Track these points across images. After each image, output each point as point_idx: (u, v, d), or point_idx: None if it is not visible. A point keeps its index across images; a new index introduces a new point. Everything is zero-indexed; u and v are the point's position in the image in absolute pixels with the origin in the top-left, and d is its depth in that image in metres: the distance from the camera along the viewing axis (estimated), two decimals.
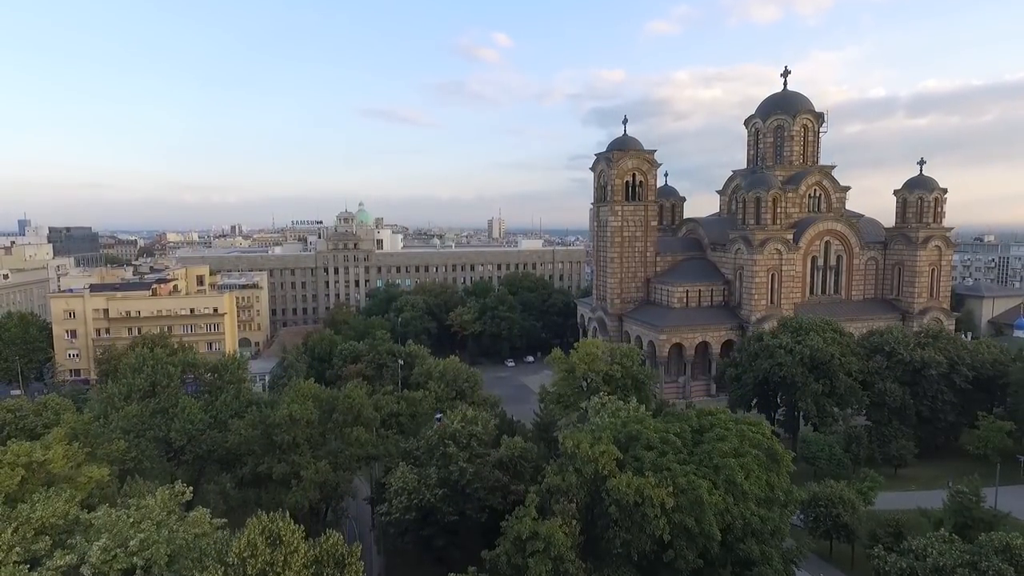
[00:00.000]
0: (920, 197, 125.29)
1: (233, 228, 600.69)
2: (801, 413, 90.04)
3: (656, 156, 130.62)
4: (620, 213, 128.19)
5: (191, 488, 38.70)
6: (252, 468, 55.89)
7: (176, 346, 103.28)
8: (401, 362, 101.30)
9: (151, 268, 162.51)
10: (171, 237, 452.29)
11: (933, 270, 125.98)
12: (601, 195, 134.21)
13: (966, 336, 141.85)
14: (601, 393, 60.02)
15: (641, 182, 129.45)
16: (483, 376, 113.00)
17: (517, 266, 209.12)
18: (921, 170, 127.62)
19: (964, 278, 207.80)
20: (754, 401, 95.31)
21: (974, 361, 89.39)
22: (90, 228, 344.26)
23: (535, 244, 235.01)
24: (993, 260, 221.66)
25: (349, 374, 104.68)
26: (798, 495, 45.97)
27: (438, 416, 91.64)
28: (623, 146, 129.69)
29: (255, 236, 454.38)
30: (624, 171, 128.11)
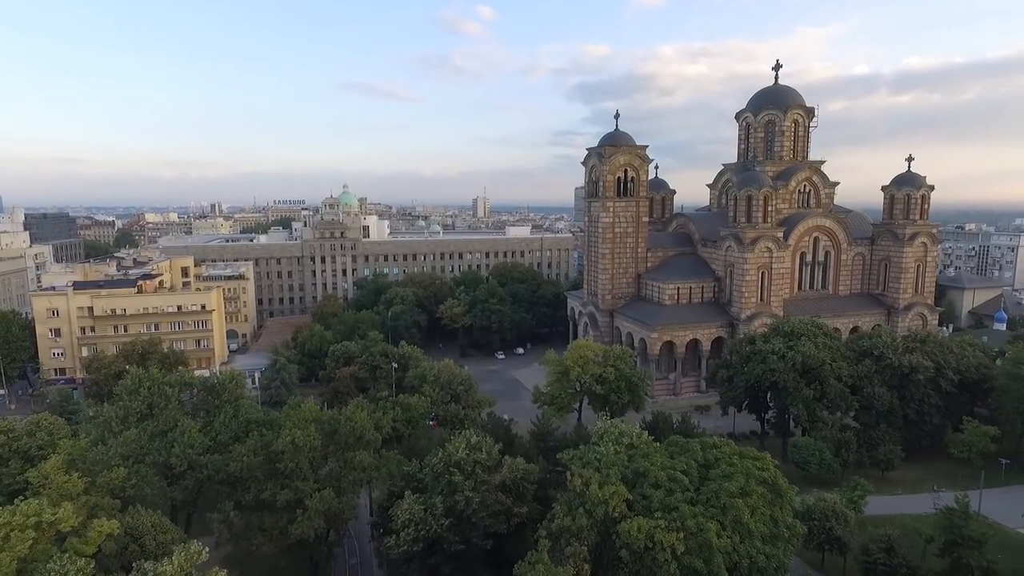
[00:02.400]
0: (907, 194, 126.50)
1: (213, 207, 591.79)
2: (791, 416, 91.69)
3: (641, 133, 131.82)
4: (612, 209, 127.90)
5: (205, 549, 38.34)
6: (255, 495, 55.70)
7: (167, 351, 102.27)
8: (395, 365, 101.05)
9: (135, 261, 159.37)
10: (150, 218, 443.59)
11: (919, 266, 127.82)
12: (593, 190, 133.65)
13: (947, 328, 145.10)
14: (603, 415, 60.20)
15: (633, 178, 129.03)
16: (474, 370, 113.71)
17: (505, 254, 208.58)
18: (909, 166, 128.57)
19: (945, 267, 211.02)
20: (745, 403, 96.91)
21: (959, 364, 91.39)
22: (67, 213, 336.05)
23: (523, 231, 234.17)
24: (974, 248, 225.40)
25: (342, 376, 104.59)
26: (800, 530, 46.90)
27: (430, 420, 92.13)
28: (615, 141, 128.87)
29: (237, 216, 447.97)
30: (616, 167, 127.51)
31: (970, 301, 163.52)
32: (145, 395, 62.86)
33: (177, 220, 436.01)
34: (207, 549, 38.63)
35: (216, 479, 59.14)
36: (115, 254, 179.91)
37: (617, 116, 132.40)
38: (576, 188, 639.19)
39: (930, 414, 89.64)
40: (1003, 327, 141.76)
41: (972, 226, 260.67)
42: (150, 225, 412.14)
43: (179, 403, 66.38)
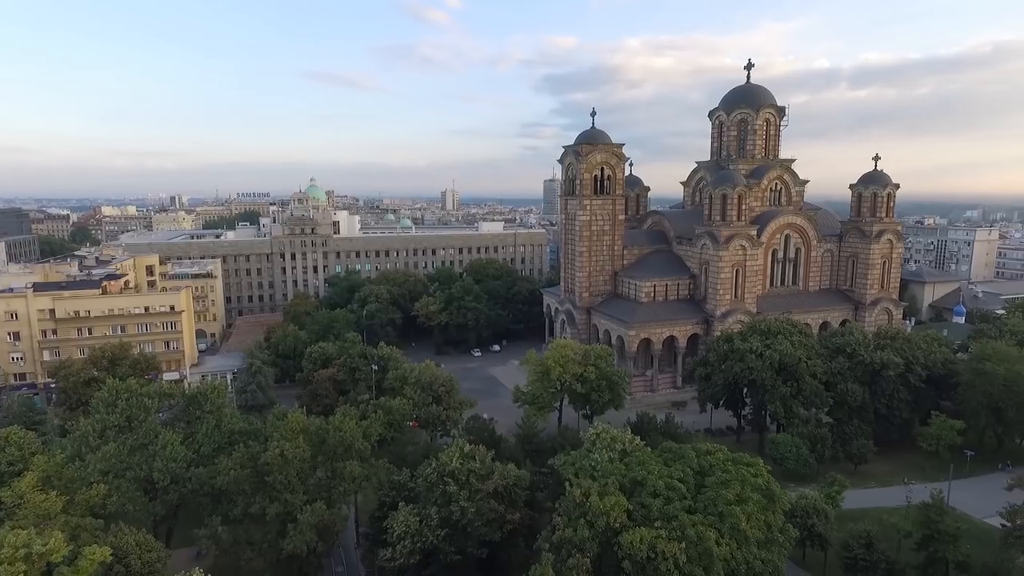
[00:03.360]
0: (874, 192, 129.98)
1: (173, 199, 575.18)
2: (768, 413, 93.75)
3: (609, 125, 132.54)
4: (589, 207, 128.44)
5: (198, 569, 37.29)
6: (243, 508, 54.55)
7: (138, 356, 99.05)
8: (375, 367, 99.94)
9: (97, 260, 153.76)
10: (106, 211, 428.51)
11: (885, 262, 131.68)
12: (570, 188, 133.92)
13: (910, 321, 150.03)
14: (597, 423, 60.57)
15: (609, 176, 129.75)
16: (450, 367, 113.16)
17: (479, 250, 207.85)
18: (876, 165, 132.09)
19: (905, 260, 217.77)
20: (722, 400, 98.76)
21: (927, 360, 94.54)
22: (19, 208, 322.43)
23: (496, 227, 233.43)
24: (932, 243, 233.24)
25: (321, 379, 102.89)
26: (793, 533, 48.03)
27: (411, 423, 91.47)
28: (592, 139, 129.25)
29: (199, 210, 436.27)
30: (593, 165, 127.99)
31: (931, 295, 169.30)
32: (123, 407, 60.83)
33: (136, 214, 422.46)
34: (199, 569, 37.60)
35: (201, 492, 57.73)
36: (76, 253, 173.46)
37: (594, 114, 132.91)
38: (545, 181, 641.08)
39: (899, 408, 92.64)
40: (962, 320, 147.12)
41: (931, 221, 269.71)
42: (107, 219, 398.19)
43: (158, 415, 64.40)
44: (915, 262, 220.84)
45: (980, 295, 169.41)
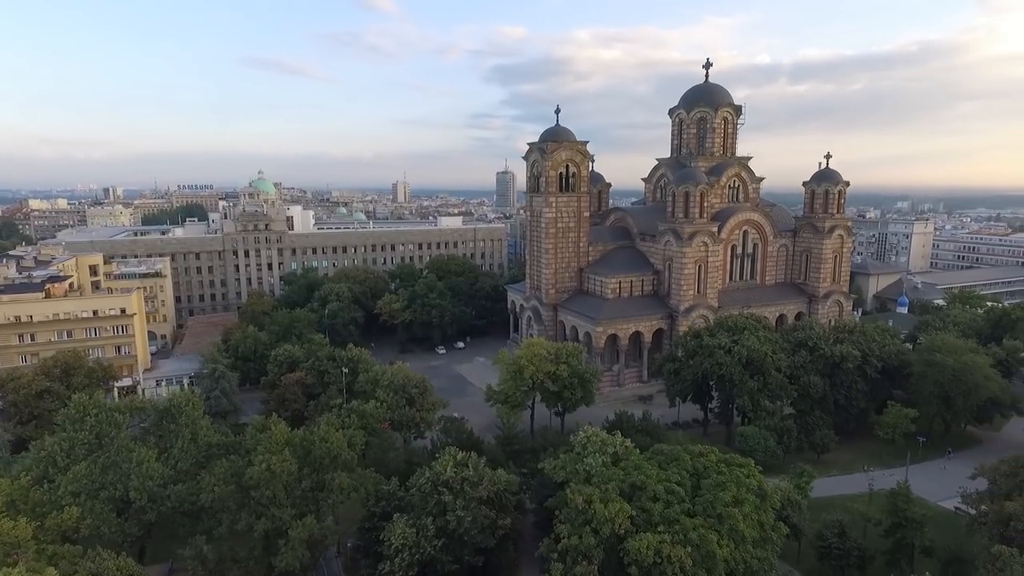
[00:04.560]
0: (826, 189, 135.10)
1: (107, 191, 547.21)
2: (735, 406, 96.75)
3: (561, 118, 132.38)
4: (555, 204, 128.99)
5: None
6: (229, 526, 52.79)
7: (93, 364, 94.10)
8: (345, 370, 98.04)
9: (36, 260, 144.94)
10: (34, 204, 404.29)
11: (836, 256, 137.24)
12: (534, 185, 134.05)
13: (857, 312, 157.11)
14: (587, 426, 61.17)
15: (574, 173, 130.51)
16: (416, 366, 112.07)
17: (439, 245, 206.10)
18: (828, 163, 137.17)
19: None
20: (690, 394, 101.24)
21: (882, 352, 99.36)
22: None
23: (455, 222, 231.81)
24: (874, 236, 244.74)
25: (288, 383, 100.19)
26: (783, 530, 49.81)
27: (383, 424, 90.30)
28: (557, 137, 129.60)
29: (136, 202, 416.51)
30: (558, 162, 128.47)
31: (875, 286, 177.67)
32: (92, 424, 57.72)
33: (67, 207, 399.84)
34: None
35: (180, 510, 55.53)
36: (11, 252, 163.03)
37: (558, 111, 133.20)
38: (498, 173, 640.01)
39: (857, 399, 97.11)
40: (905, 311, 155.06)
41: (872, 214, 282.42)
42: (36, 213, 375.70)
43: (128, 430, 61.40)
44: (859, 254, 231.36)
45: (919, 286, 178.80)
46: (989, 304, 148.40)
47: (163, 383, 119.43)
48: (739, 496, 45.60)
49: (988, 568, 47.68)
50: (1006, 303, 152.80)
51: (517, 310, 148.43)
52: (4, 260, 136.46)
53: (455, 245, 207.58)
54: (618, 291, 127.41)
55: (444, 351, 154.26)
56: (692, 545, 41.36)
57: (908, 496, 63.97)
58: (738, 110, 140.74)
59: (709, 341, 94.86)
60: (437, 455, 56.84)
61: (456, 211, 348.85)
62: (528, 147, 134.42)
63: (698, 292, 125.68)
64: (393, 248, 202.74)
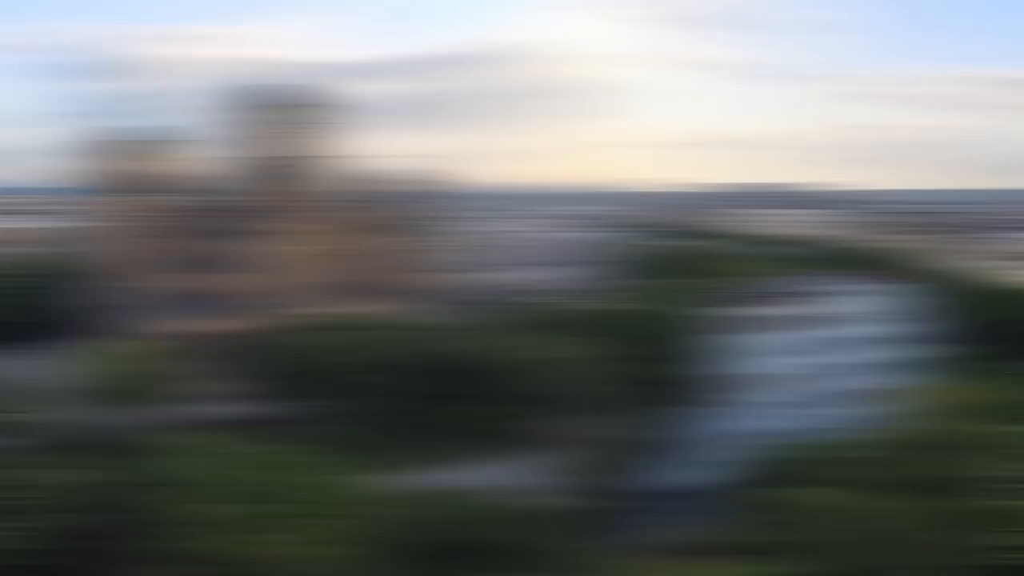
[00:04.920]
0: None
1: None
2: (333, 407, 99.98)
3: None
4: (123, 205, 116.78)
5: None
6: None
7: None
8: None
9: None
10: None
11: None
12: (106, 184, 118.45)
13: None
14: None
15: (150, 171, 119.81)
16: None
17: None
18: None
19: None
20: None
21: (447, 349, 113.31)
22: None
23: None
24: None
25: None
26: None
27: None
28: (124, 135, 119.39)
29: None
30: (124, 160, 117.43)
31: None
32: None
33: None
34: None
35: None
36: None
37: (129, 108, 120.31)
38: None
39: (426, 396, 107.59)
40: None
41: None
42: None
43: None
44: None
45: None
46: None
47: None
48: None
49: None
50: None
51: (85, 313, 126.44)
52: None
53: None
54: (196, 291, 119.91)
55: None
56: None
57: (476, 492, 62.76)
58: (331, 110, 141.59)
59: (313, 341, 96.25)
60: None
61: None
62: (90, 144, 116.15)
63: (288, 293, 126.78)
64: None
